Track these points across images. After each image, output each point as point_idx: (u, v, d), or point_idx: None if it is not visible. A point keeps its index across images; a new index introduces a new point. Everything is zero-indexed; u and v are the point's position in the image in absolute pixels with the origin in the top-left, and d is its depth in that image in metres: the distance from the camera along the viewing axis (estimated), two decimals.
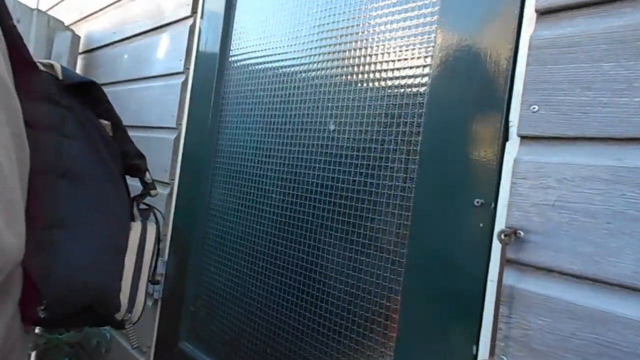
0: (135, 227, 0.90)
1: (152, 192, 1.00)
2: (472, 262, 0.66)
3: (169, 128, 1.42)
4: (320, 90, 0.98)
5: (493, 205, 0.65)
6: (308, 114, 1.00)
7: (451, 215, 0.69)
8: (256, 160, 1.13)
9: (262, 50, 1.16)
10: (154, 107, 1.49)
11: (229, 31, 1.27)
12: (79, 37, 1.97)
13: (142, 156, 1.04)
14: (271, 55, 1.12)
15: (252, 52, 1.19)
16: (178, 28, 1.43)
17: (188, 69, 1.38)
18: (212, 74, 1.29)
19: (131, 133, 1.65)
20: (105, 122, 0.90)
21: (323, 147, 0.95)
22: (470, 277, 0.66)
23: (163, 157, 1.42)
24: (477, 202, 0.66)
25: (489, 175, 0.65)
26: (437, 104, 0.74)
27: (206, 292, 1.25)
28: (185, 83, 1.38)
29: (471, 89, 0.69)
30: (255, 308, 1.07)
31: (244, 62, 1.21)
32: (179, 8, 1.43)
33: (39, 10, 1.87)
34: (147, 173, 1.02)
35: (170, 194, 1.39)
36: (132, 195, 1.00)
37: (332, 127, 0.94)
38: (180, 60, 1.39)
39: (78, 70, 2.05)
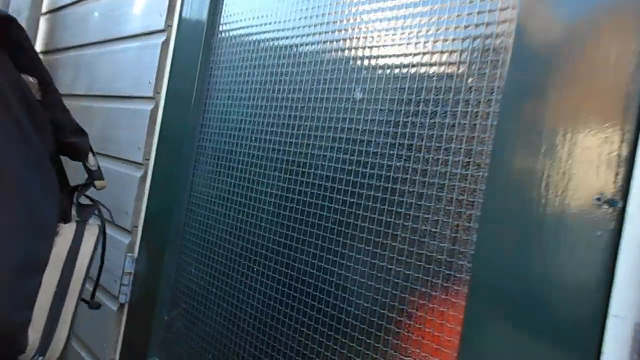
0: (65, 232, 0.65)
1: (98, 183, 0.75)
2: (581, 289, 0.45)
3: (144, 98, 1.17)
4: (342, 48, 0.75)
5: (621, 205, 0.44)
6: (325, 80, 0.77)
7: (546, 217, 0.48)
8: (253, 139, 0.90)
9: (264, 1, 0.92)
10: (128, 73, 1.25)
11: None
12: None
13: (81, 132, 0.78)
14: (277, 6, 0.89)
15: (252, 2, 0.95)
16: None
17: (170, 26, 1.13)
18: (199, 32, 1.05)
19: (102, 104, 1.40)
20: (31, 79, 0.66)
21: (345, 122, 0.73)
22: (579, 311, 0.45)
23: (137, 132, 1.17)
24: (599, 199, 0.44)
25: (614, 159, 0.44)
26: (526, 55, 0.52)
27: (184, 298, 1.02)
28: (166, 44, 1.13)
29: (582, 25, 0.48)
30: (247, 324, 0.85)
31: (241, 16, 0.98)
32: None
33: None
34: (89, 156, 0.77)
35: (144, 177, 1.15)
36: (73, 184, 0.75)
37: (358, 96, 0.72)
38: (161, 15, 1.15)
39: (42, 33, 1.78)
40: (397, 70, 0.67)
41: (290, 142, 0.82)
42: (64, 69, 1.62)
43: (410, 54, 0.65)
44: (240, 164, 0.92)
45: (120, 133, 1.24)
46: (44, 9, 1.75)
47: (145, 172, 1.14)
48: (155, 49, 1.14)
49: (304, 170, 0.79)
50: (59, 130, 0.72)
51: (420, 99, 0.63)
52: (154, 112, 1.14)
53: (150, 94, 1.14)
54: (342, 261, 0.70)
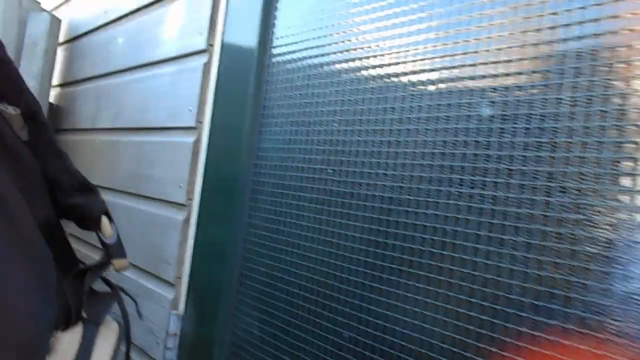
0: (65, 345, 0.44)
1: (116, 262, 0.54)
2: None
3: (185, 128, 1.02)
4: (456, 51, 0.59)
5: None
6: (431, 94, 0.62)
7: None
8: (328, 172, 0.74)
9: None
10: (163, 101, 1.10)
11: None
12: (59, 21, 1.57)
13: (87, 188, 0.57)
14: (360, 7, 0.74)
15: (317, 8, 0.80)
16: None
17: (212, 46, 0.99)
18: (249, 49, 0.91)
19: (131, 137, 1.25)
20: (10, 109, 0.47)
21: (468, 147, 0.57)
22: None
23: (177, 169, 1.02)
24: None
25: None
26: None
27: None
28: (208, 66, 0.99)
29: None
30: None
31: (303, 27, 0.83)
32: None
33: None
34: (104, 222, 0.55)
35: (187, 221, 0.99)
36: (82, 266, 0.54)
37: (486, 112, 0.56)
38: (201, 34, 1.00)
39: (60, 63, 1.65)
40: (548, 73, 0.51)
41: (383, 174, 0.66)
42: (84, 101, 1.49)
43: (566, 56, 0.49)
44: (312, 202, 0.76)
45: (156, 170, 1.09)
46: (61, 39, 1.62)
47: (189, 215, 0.98)
48: (196, 73, 1.00)
49: (407, 208, 0.62)
50: (54, 185, 0.52)
51: (593, 109, 0.47)
52: (197, 144, 0.98)
53: (192, 124, 0.99)
54: (453, 335, 0.53)
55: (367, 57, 0.70)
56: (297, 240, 0.78)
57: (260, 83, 0.89)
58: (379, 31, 0.69)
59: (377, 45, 0.69)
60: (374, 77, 0.69)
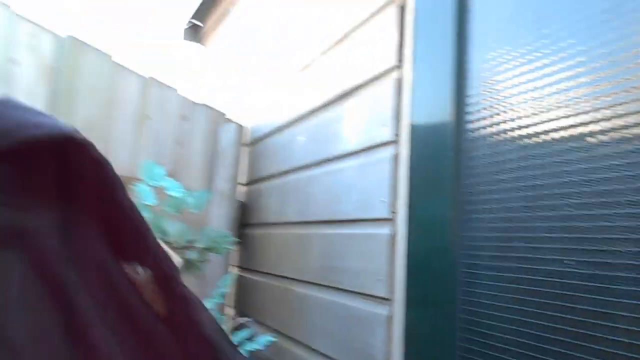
0: None
1: None
2: None
3: (377, 220, 1.01)
4: None
5: None
6: None
7: None
8: (569, 263, 0.64)
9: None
10: (350, 194, 1.12)
11: (462, 63, 0.87)
12: (242, 128, 1.77)
13: None
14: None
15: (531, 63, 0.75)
16: (376, 87, 1.08)
17: (399, 135, 0.99)
18: (442, 133, 0.88)
19: (319, 230, 1.28)
20: (140, 270, 0.36)
21: None
22: None
23: (373, 261, 1.00)
24: None
25: None
26: None
27: None
28: (397, 156, 0.98)
29: None
30: None
31: (504, 91, 0.78)
32: (376, 62, 1.09)
33: (204, 105, 1.72)
34: None
35: (390, 318, 0.94)
36: None
37: None
38: (386, 125, 1.02)
39: (244, 164, 1.84)
40: None
41: None
42: (269, 198, 1.61)
43: None
44: (544, 297, 0.66)
45: (349, 262, 1.09)
46: (246, 141, 1.82)
47: (392, 311, 0.94)
48: (384, 164, 1.00)
49: None
50: None
51: None
52: (393, 235, 0.96)
53: (386, 215, 0.98)
54: None
55: (604, 132, 0.61)
56: (528, 340, 0.68)
57: (459, 168, 0.85)
58: (614, 100, 0.61)
59: (617, 112, 0.60)
60: (619, 153, 0.59)
